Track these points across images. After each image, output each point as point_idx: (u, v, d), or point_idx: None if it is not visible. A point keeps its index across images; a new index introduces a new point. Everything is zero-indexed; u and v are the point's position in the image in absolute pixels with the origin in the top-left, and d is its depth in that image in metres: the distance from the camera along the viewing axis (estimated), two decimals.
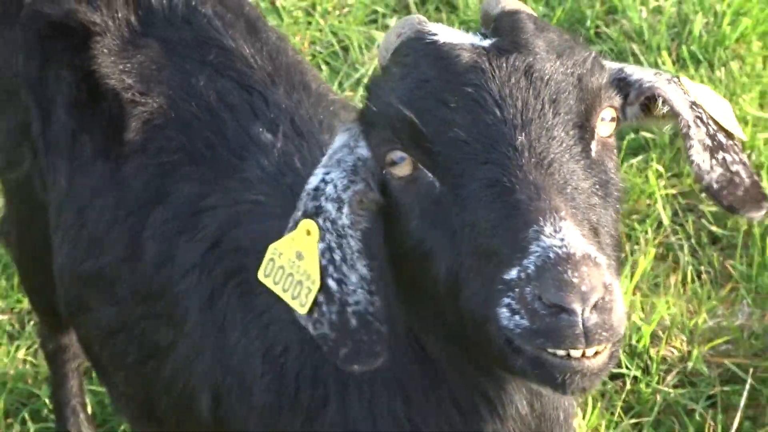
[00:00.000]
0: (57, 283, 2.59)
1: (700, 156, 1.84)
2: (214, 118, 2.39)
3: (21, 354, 3.43)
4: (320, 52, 4.10)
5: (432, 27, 1.72)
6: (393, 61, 1.72)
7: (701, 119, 1.85)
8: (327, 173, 1.74)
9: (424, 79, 1.65)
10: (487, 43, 1.67)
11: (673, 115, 1.84)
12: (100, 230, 2.42)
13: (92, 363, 2.70)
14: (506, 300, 1.54)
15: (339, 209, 1.71)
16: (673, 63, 3.96)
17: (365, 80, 3.96)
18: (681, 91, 1.86)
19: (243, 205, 2.25)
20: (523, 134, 1.60)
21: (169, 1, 2.54)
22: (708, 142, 1.85)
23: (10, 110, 2.69)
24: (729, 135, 1.88)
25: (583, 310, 1.47)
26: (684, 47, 3.99)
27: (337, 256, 1.70)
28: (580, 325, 1.47)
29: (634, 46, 4.04)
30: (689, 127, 1.83)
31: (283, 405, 2.09)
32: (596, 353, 1.52)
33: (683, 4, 4.13)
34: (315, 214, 1.71)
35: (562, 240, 1.51)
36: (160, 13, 2.53)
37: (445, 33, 1.72)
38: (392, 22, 4.21)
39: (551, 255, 1.50)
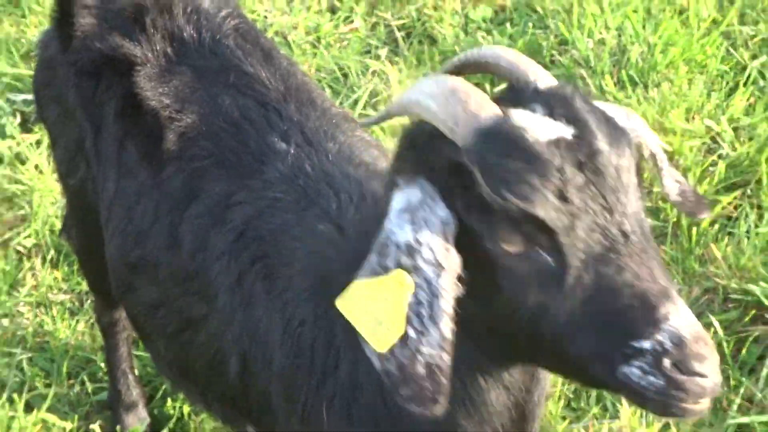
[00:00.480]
0: (108, 269, 2.60)
1: (668, 180, 1.87)
2: (238, 130, 2.39)
3: (80, 327, 3.43)
4: (324, 78, 4.10)
5: (514, 116, 1.65)
6: (485, 148, 1.62)
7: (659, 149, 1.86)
8: (417, 231, 1.64)
9: (540, 174, 1.59)
10: (570, 134, 1.63)
11: (652, 154, 1.85)
12: (144, 225, 2.42)
13: (138, 333, 2.70)
14: (637, 363, 1.59)
15: (438, 274, 1.63)
16: (615, 84, 3.96)
17: (361, 100, 3.97)
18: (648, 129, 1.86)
19: (264, 201, 2.24)
20: (626, 219, 1.61)
21: (198, 35, 2.55)
22: (665, 165, 1.87)
23: (68, 129, 2.69)
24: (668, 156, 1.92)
25: None
26: (623, 72, 3.99)
27: (425, 312, 1.64)
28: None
29: (582, 71, 4.04)
30: (663, 160, 1.85)
31: (300, 368, 2.09)
32: None
33: (622, 37, 4.13)
34: (410, 270, 1.63)
35: (688, 320, 1.58)
36: (191, 45, 2.53)
37: (524, 119, 1.65)
38: (383, 53, 4.21)
39: (687, 334, 1.57)
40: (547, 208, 1.58)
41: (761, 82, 4.08)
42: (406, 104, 1.73)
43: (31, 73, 4.00)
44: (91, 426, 3.16)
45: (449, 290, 1.63)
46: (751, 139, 3.85)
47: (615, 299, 1.60)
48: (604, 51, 4.06)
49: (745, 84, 4.04)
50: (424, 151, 1.70)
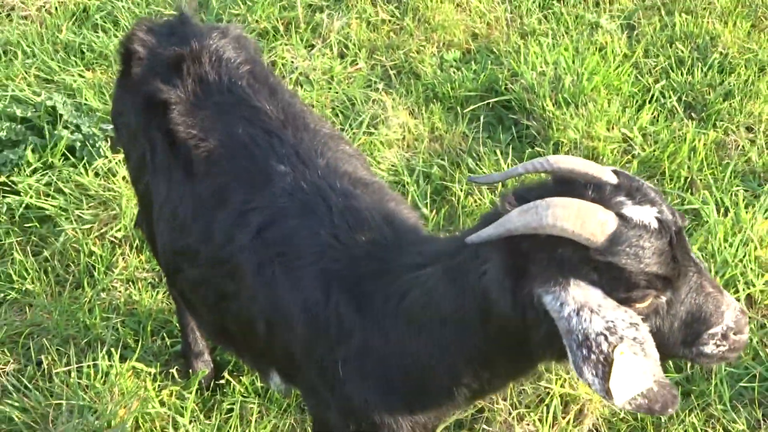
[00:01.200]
0: (159, 254, 2.59)
1: None
2: (249, 154, 2.38)
3: (159, 297, 3.43)
4: (337, 105, 4.08)
5: (626, 215, 1.71)
6: (617, 244, 1.68)
7: None
8: (602, 315, 1.68)
9: (658, 252, 1.70)
10: (667, 216, 1.74)
11: None
12: (186, 222, 2.43)
13: (185, 304, 2.70)
14: (712, 341, 1.80)
15: (637, 328, 1.69)
16: (553, 105, 3.94)
17: (364, 123, 3.95)
18: None
19: (273, 209, 2.25)
20: (701, 262, 1.78)
21: (218, 78, 2.53)
22: None
23: (135, 148, 2.70)
24: None
25: None
26: (559, 95, 3.97)
27: (643, 353, 1.69)
28: None
29: (528, 96, 4.01)
30: None
31: (318, 335, 2.10)
32: None
33: (558, 69, 4.10)
34: (620, 341, 1.67)
35: (734, 303, 1.82)
36: (214, 86, 2.52)
37: (632, 213, 1.72)
38: (380, 86, 4.18)
39: (737, 313, 1.82)
40: (668, 269, 1.70)
41: (662, 100, 4.05)
42: (538, 227, 1.69)
43: None
44: (170, 370, 3.15)
45: (648, 333, 1.71)
46: (656, 142, 3.83)
47: (701, 310, 1.77)
48: (545, 80, 4.03)
49: (650, 101, 4.02)
50: (567, 260, 1.70)
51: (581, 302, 1.67)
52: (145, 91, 2.53)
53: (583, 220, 1.65)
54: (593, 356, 1.65)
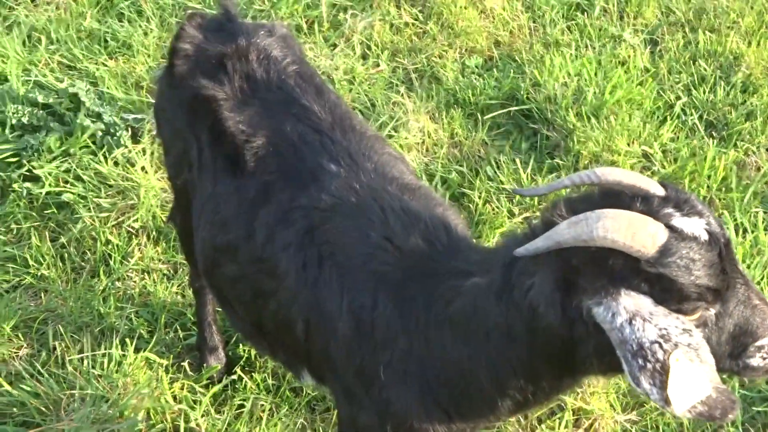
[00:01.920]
0: (198, 249, 2.59)
1: None
2: (297, 151, 2.38)
3: (174, 289, 3.43)
4: (358, 106, 4.09)
5: (676, 226, 1.72)
6: (669, 256, 1.68)
7: None
8: (655, 323, 1.68)
9: (708, 264, 1.70)
10: (715, 228, 1.74)
11: None
12: (228, 218, 2.42)
13: (219, 299, 2.69)
14: (759, 354, 1.79)
15: (691, 334, 1.68)
16: (575, 117, 3.94)
17: (385, 124, 3.96)
18: None
19: (323, 209, 2.24)
20: (742, 269, 1.79)
21: (267, 75, 2.53)
22: None
23: (176, 144, 2.69)
24: None
25: None
26: (581, 107, 3.97)
27: (699, 360, 1.68)
28: None
29: (550, 107, 4.02)
30: None
31: (360, 337, 2.10)
32: None
33: (580, 81, 4.10)
34: (674, 348, 1.66)
35: None
36: (262, 83, 2.52)
37: (682, 225, 1.72)
38: (402, 89, 4.18)
39: None
40: (718, 281, 1.69)
41: (683, 117, 4.06)
42: (588, 239, 1.69)
43: (138, 98, 4.03)
44: (182, 363, 3.16)
45: (702, 338, 1.69)
46: (676, 159, 3.83)
47: (749, 323, 1.77)
48: (567, 91, 4.04)
49: (671, 118, 4.02)
50: (618, 271, 1.69)
51: (633, 311, 1.66)
52: (192, 86, 2.53)
53: (634, 232, 1.65)
54: (649, 365, 1.65)
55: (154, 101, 2.93)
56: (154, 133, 3.86)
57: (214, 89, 2.49)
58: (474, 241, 2.36)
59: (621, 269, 1.68)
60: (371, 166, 2.34)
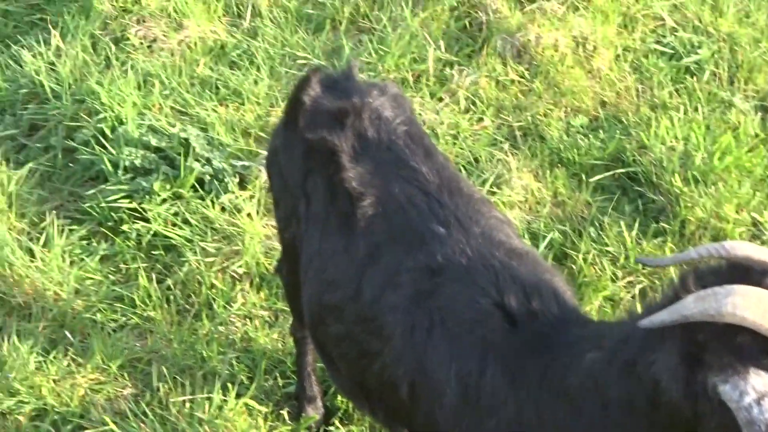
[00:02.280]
0: (304, 305, 2.62)
1: None
2: (406, 213, 2.40)
3: (275, 336, 3.49)
4: (461, 161, 4.12)
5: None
6: None
7: None
8: None
9: None
10: None
11: None
12: (336, 277, 2.46)
13: (322, 356, 2.72)
14: None
15: None
16: (681, 182, 3.90)
17: (488, 182, 3.97)
18: None
19: (431, 272, 2.27)
20: None
21: (377, 135, 2.57)
22: None
23: (287, 197, 2.75)
24: None
25: None
26: (688, 172, 3.94)
27: None
28: None
29: (656, 170, 3.99)
30: None
31: (467, 404, 2.10)
32: None
33: (688, 145, 4.07)
34: None
35: None
36: (373, 142, 2.56)
37: None
38: (505, 146, 4.20)
39: None
40: None
41: None
42: (716, 314, 1.67)
43: (247, 147, 4.12)
44: (281, 411, 3.19)
45: None
46: None
47: None
48: (674, 155, 4.00)
49: None
50: (747, 349, 1.67)
51: (762, 391, 1.63)
52: (308, 140, 2.59)
53: (765, 310, 1.63)
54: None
55: (267, 152, 3.00)
56: (262, 181, 3.95)
57: (331, 144, 2.54)
58: (582, 310, 2.36)
59: (750, 347, 1.65)
60: (479, 230, 2.35)
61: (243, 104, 4.39)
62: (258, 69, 4.54)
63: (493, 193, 3.92)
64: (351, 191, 2.46)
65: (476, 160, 4.13)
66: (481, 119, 4.35)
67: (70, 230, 3.79)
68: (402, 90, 3.07)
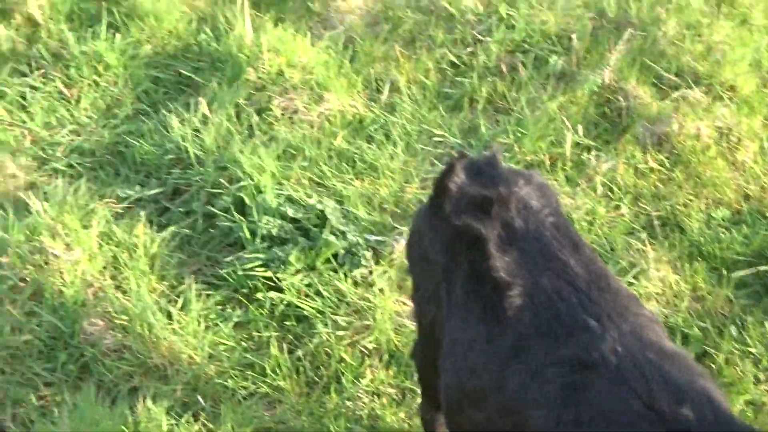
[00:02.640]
0: (442, 390, 2.61)
1: None
2: (553, 306, 2.38)
3: (402, 415, 3.48)
4: (597, 249, 4.05)
5: None
6: None
7: None
8: None
9: None
10: None
11: None
12: (479, 365, 2.45)
13: None
14: None
15: None
16: None
17: (626, 272, 3.91)
18: None
19: (580, 369, 2.23)
20: None
21: (525, 225, 2.57)
22: None
23: (427, 281, 2.77)
24: None
25: None
26: None
27: None
28: None
29: None
30: None
31: None
32: None
33: None
34: None
35: None
36: (520, 232, 2.56)
37: None
38: (643, 235, 4.13)
39: None
40: None
41: None
42: None
43: (381, 221, 4.17)
44: None
45: None
46: None
47: None
48: None
49: None
50: None
51: None
52: (454, 225, 2.60)
53: None
54: None
55: (409, 234, 3.02)
56: (395, 256, 3.98)
57: (479, 231, 2.55)
58: (738, 418, 2.28)
59: None
60: (628, 327, 2.32)
61: (378, 178, 4.45)
62: (394, 144, 4.61)
63: (630, 284, 3.86)
64: (498, 280, 2.46)
65: (612, 248, 4.08)
66: (618, 206, 4.30)
67: (207, 295, 3.88)
68: (546, 180, 3.08)
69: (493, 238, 2.54)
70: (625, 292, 2.50)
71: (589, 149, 4.58)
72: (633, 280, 3.88)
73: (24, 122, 4.60)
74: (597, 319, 2.32)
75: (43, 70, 4.87)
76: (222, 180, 4.31)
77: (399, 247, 4.00)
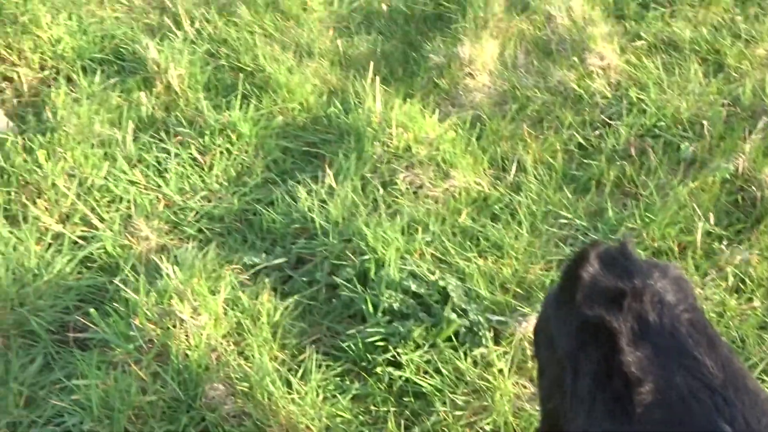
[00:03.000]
0: None
1: None
2: (687, 406, 2.31)
3: None
4: (726, 342, 3.92)
5: None
6: None
7: None
8: None
9: None
10: None
11: None
12: None
13: None
14: None
15: None
16: None
17: (758, 368, 3.78)
18: None
19: None
20: None
21: (659, 320, 2.51)
22: None
23: (552, 367, 2.74)
24: None
25: None
26: None
27: None
28: None
29: None
30: None
31: None
32: None
33: None
34: None
35: None
36: (653, 327, 2.50)
37: None
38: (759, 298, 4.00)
39: None
40: None
41: None
42: None
43: (504, 300, 4.15)
44: None
45: None
46: None
47: None
48: None
49: None
50: None
51: None
52: (585, 314, 2.58)
53: None
54: None
55: (537, 318, 3.01)
56: (517, 338, 3.95)
57: (611, 323, 2.51)
58: None
59: None
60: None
61: (502, 258, 4.45)
62: (519, 224, 4.61)
63: (762, 380, 3.73)
64: (628, 375, 2.41)
65: (743, 341, 3.96)
66: (750, 299, 4.18)
67: (327, 366, 3.92)
68: (684, 273, 3.02)
69: (625, 332, 2.49)
70: (765, 396, 2.41)
71: (720, 238, 4.48)
72: (765, 377, 3.75)
73: (159, 186, 4.77)
74: (732, 422, 2.25)
75: (179, 137, 5.06)
76: (346, 252, 4.38)
77: (521, 329, 3.97)
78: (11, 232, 4.32)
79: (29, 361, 3.83)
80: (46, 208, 4.50)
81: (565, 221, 4.62)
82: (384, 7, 6.52)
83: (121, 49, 5.73)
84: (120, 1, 6.38)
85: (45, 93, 5.32)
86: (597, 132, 5.15)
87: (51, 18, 5.86)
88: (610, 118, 5.22)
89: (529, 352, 3.92)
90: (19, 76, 5.48)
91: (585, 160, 4.98)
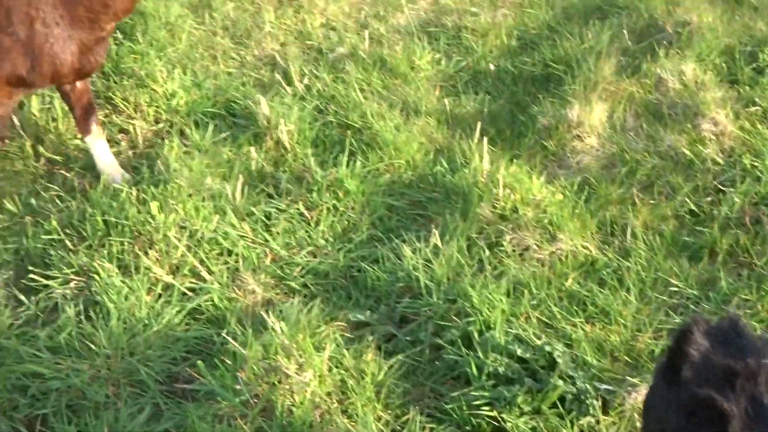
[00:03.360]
0: None
1: None
2: None
3: None
4: None
5: None
6: None
7: None
8: None
9: None
10: None
11: None
12: None
13: None
14: None
15: None
16: None
17: None
18: None
19: None
20: None
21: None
22: None
23: None
24: None
25: None
26: None
27: None
28: None
29: None
30: None
31: None
32: None
33: None
34: None
35: None
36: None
37: None
38: None
39: None
40: None
41: None
42: None
43: (612, 369, 4.08)
44: None
45: None
46: None
47: None
48: None
49: None
50: None
51: None
52: (694, 393, 2.51)
53: None
54: None
55: (648, 391, 2.94)
56: (626, 407, 3.87)
57: (723, 403, 2.44)
58: None
59: None
60: None
61: (610, 324, 4.38)
62: (627, 290, 4.54)
63: None
64: None
65: None
66: None
67: (431, 428, 3.89)
68: None
69: (737, 415, 2.42)
70: None
71: None
72: None
73: (266, 241, 4.85)
74: None
75: (289, 195, 5.14)
76: (450, 313, 4.37)
77: (630, 399, 3.90)
78: (123, 282, 4.44)
79: (137, 411, 3.91)
80: (157, 259, 4.61)
81: (676, 289, 4.53)
82: (491, 66, 6.56)
83: (233, 104, 5.88)
84: (232, 57, 6.58)
85: (159, 146, 5.49)
86: (709, 199, 5.06)
87: (166, 73, 6.06)
88: (723, 185, 5.13)
89: (638, 424, 3.84)
90: (134, 129, 5.66)
91: (697, 228, 4.90)
